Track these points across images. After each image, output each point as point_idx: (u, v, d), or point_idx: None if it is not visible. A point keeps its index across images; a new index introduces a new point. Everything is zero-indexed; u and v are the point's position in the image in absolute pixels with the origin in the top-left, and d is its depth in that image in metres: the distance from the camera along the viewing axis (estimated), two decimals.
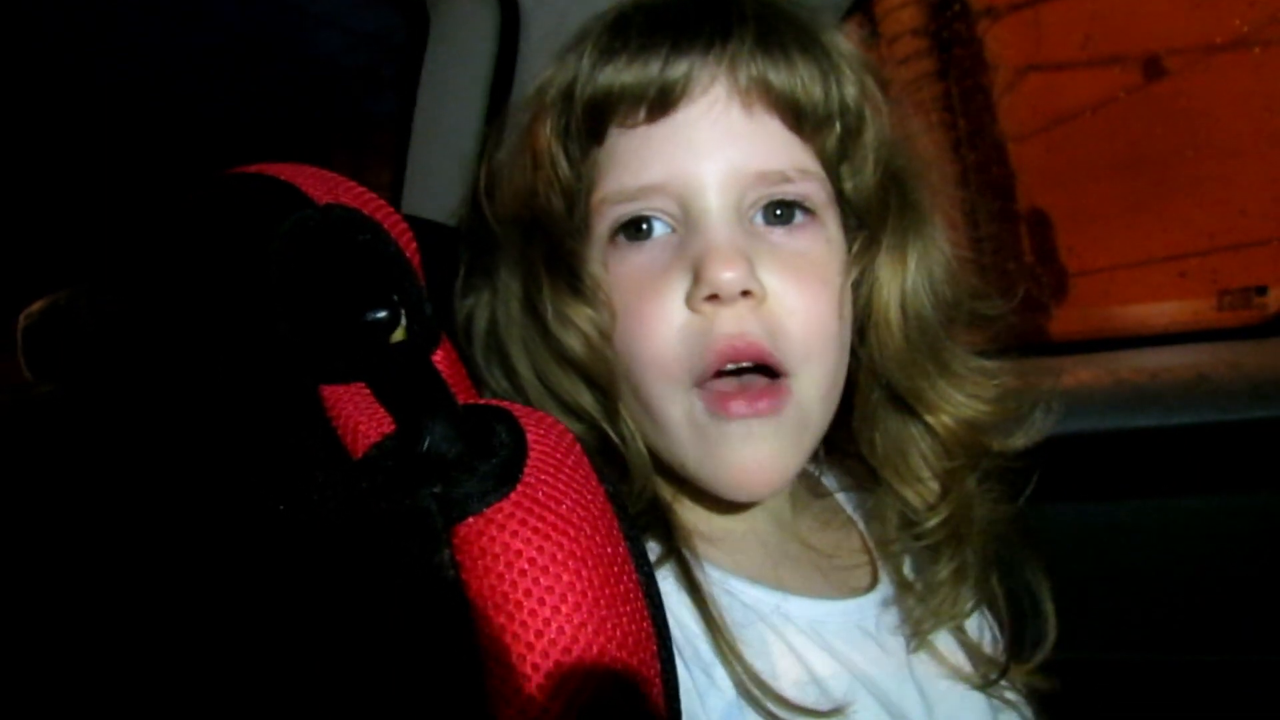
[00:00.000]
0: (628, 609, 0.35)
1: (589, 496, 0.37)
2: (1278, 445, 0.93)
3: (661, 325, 0.52)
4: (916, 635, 0.58)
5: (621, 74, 0.53)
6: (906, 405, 0.58)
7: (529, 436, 0.37)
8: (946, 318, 0.58)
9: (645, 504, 0.54)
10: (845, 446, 0.63)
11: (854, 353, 0.57)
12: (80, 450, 0.41)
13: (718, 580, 0.53)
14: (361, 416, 0.36)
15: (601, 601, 0.34)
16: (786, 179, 0.53)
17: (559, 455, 0.37)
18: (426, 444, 0.34)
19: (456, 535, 0.34)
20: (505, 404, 0.39)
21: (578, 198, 0.56)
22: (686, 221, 0.53)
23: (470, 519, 0.34)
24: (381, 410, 0.37)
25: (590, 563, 0.35)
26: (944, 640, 0.59)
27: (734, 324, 0.51)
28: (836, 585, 0.59)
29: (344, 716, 0.33)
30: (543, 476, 0.36)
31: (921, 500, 0.59)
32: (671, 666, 0.37)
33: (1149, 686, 0.98)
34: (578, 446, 0.39)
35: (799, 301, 0.52)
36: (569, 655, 0.33)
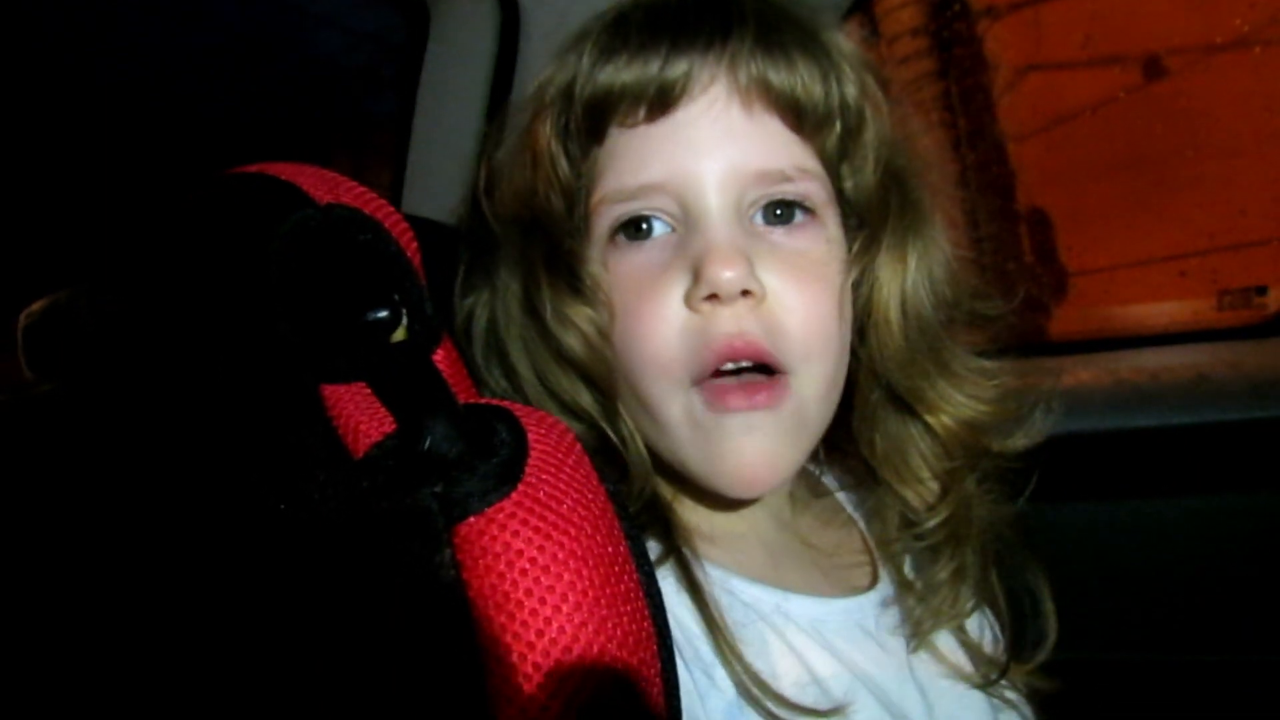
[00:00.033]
0: (628, 609, 0.35)
1: (590, 496, 0.37)
2: (1278, 445, 0.93)
3: (660, 324, 0.52)
4: (917, 635, 0.58)
5: (621, 73, 0.53)
6: (906, 405, 0.58)
7: (530, 436, 0.37)
8: (947, 317, 0.58)
9: (645, 503, 0.54)
10: (845, 446, 0.63)
11: (854, 352, 0.57)
12: (81, 449, 0.41)
13: (718, 579, 0.53)
14: (362, 416, 0.36)
15: (602, 601, 0.34)
16: (786, 178, 0.53)
17: (560, 454, 0.37)
18: (427, 443, 0.34)
19: (457, 535, 0.34)
20: (506, 403, 0.39)
21: (577, 197, 0.56)
22: (686, 221, 0.53)
23: (471, 518, 0.34)
24: (382, 409, 0.37)
25: (591, 562, 0.35)
26: (944, 640, 0.59)
27: (733, 323, 0.51)
28: (837, 584, 0.59)
29: (345, 716, 0.33)
30: (544, 476, 0.36)
31: (921, 500, 0.59)
32: (672, 666, 0.37)
33: (1149, 686, 0.98)
34: (579, 446, 0.39)
35: (799, 301, 0.52)
36: (569, 655, 0.33)
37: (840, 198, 0.57)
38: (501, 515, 0.34)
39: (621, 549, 0.37)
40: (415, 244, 0.44)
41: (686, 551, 0.52)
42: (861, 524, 0.65)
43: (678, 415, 0.53)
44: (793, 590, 0.55)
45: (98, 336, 0.44)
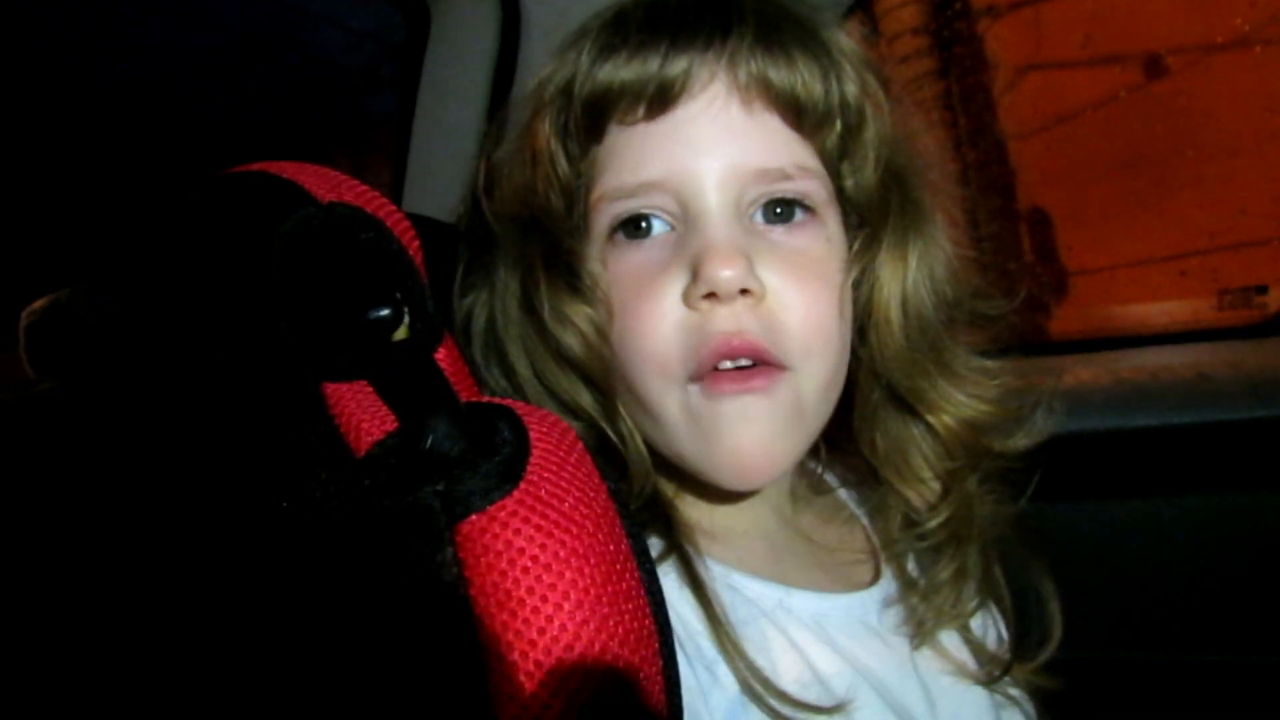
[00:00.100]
0: (630, 606, 0.35)
1: (591, 494, 0.37)
2: (1278, 445, 0.93)
3: (659, 322, 0.52)
4: (919, 633, 0.58)
5: (621, 71, 0.53)
6: (907, 405, 0.58)
7: (531, 434, 0.37)
8: (947, 317, 0.58)
9: (646, 501, 0.53)
10: (846, 446, 0.63)
11: (854, 352, 0.57)
12: (83, 447, 0.41)
13: (720, 576, 0.53)
14: (364, 414, 0.36)
15: (604, 599, 0.34)
16: (786, 176, 0.53)
17: (561, 453, 0.37)
18: (429, 442, 0.34)
19: (459, 533, 0.34)
20: (508, 402, 0.39)
21: (577, 195, 0.55)
22: (685, 219, 0.52)
23: (473, 517, 0.34)
24: (384, 408, 0.37)
25: (593, 560, 0.35)
26: (948, 636, 0.59)
27: (731, 322, 0.50)
28: (839, 580, 0.59)
29: (346, 715, 0.33)
30: (545, 474, 0.36)
31: (922, 500, 0.59)
32: (673, 664, 0.37)
33: (1149, 686, 0.98)
34: (580, 444, 0.39)
35: (798, 300, 0.52)
36: (571, 653, 0.33)
37: (840, 196, 0.57)
38: (503, 514, 0.34)
39: (623, 547, 0.37)
40: (417, 243, 0.44)
41: (688, 548, 0.52)
42: (865, 521, 0.65)
43: (675, 412, 0.52)
44: (795, 585, 0.55)
45: (99, 335, 0.44)
